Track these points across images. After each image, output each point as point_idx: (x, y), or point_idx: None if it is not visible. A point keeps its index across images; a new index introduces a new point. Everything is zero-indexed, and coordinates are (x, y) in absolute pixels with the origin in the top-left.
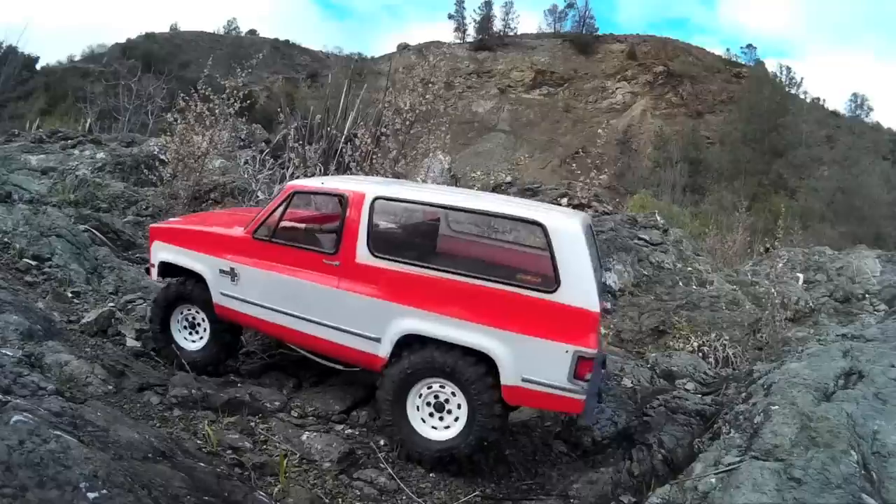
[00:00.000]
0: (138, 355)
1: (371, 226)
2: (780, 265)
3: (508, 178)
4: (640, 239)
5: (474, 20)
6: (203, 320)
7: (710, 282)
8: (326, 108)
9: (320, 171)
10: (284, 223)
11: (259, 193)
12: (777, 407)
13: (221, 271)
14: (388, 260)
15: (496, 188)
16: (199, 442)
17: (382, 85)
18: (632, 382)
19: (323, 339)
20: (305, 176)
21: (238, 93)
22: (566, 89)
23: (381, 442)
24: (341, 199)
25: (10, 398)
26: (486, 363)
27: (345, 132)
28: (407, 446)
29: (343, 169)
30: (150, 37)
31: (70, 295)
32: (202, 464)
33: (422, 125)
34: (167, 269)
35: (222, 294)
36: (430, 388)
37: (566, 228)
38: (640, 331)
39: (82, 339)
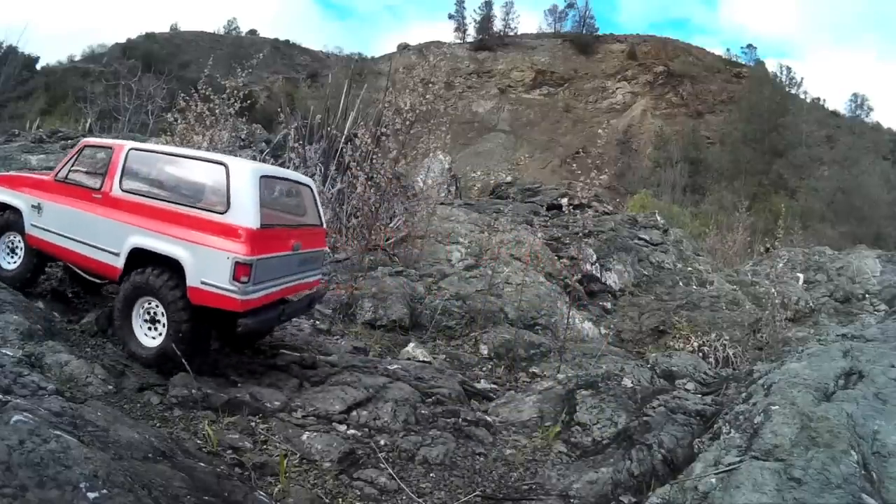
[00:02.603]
0: None
1: (125, 168)
2: (780, 265)
3: (508, 178)
4: (640, 239)
5: (474, 20)
6: (20, 245)
7: (710, 282)
8: (326, 108)
9: (321, 170)
10: (75, 168)
11: None
12: (777, 407)
13: (32, 206)
14: (129, 193)
15: (496, 188)
16: (199, 442)
17: (382, 85)
18: (632, 382)
19: (89, 257)
20: (307, 175)
21: (238, 93)
22: (566, 89)
23: (382, 442)
24: (109, 149)
25: (10, 398)
26: (177, 276)
27: (345, 132)
28: (131, 350)
29: (344, 169)
30: (150, 37)
31: (70, 295)
32: (202, 464)
33: (422, 125)
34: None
35: (32, 225)
36: (144, 307)
37: (241, 168)
38: (641, 331)
39: (82, 339)
